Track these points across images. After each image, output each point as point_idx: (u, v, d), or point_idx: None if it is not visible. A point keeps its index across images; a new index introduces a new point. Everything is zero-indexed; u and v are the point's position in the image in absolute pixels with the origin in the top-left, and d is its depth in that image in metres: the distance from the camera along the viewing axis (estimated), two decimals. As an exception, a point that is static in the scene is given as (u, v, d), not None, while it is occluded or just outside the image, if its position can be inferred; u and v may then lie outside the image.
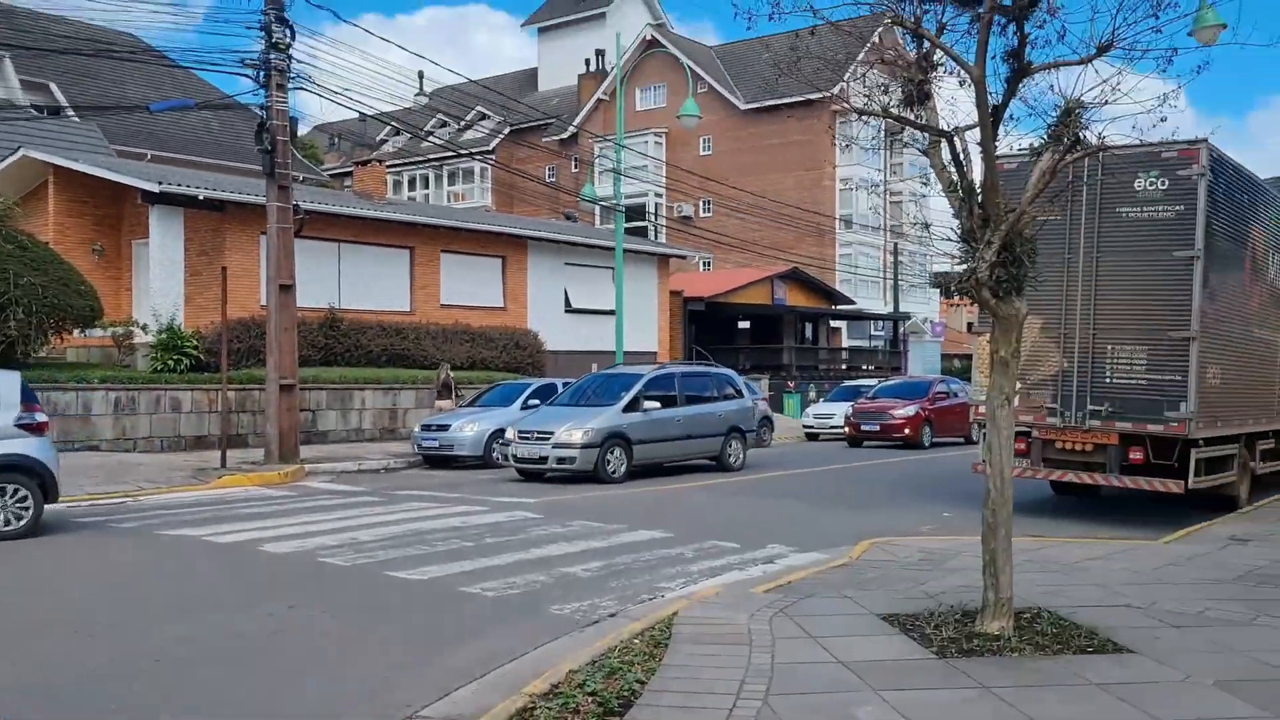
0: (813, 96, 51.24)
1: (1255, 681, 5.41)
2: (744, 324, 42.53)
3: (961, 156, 6.20)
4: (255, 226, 22.11)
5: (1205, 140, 12.13)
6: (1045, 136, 6.43)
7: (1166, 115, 5.69)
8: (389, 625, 7.35)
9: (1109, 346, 12.64)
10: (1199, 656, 5.87)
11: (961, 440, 25.92)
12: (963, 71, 6.36)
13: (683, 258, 38.92)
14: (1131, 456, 12.69)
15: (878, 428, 24.82)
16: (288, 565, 9.48)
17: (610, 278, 31.99)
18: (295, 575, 9.10)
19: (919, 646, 6.15)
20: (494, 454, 18.99)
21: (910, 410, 24.82)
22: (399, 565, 9.33)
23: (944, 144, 6.34)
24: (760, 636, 6.39)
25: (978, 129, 6.24)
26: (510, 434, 17.31)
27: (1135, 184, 12.42)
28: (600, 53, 59.05)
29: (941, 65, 6.54)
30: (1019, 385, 13.54)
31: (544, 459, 16.34)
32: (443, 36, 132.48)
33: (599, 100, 57.10)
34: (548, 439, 16.41)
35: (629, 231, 34.74)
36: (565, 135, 56.84)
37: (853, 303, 47.62)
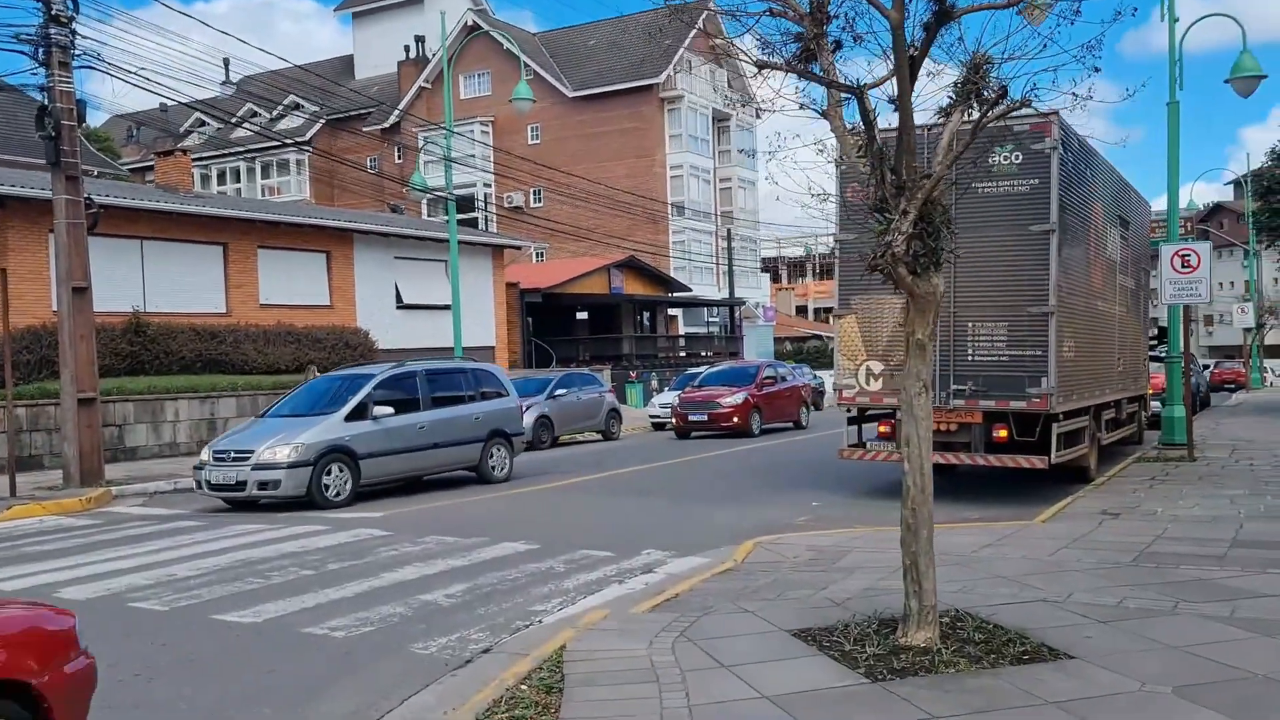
0: (640, 84, 51.08)
1: (1212, 684, 4.97)
2: (582, 315, 41.76)
3: (873, 116, 5.51)
4: (43, 224, 19.74)
5: (1056, 113, 12.03)
6: (952, 95, 5.85)
7: (1099, 66, 5.14)
8: (217, 684, 6.16)
9: (970, 324, 12.45)
10: (1142, 658, 5.41)
11: (791, 425, 25.61)
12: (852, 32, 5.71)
13: (517, 248, 37.78)
14: (995, 434, 12.57)
15: (705, 417, 23.76)
16: (91, 614, 8.02)
17: (443, 271, 30.58)
18: (99, 627, 7.67)
19: (845, 668, 5.46)
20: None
21: (738, 398, 23.86)
22: (228, 605, 8.05)
23: (851, 104, 5.64)
24: (667, 670, 5.57)
25: (885, 86, 5.58)
26: (205, 455, 14.19)
27: (990, 159, 12.25)
28: (420, 39, 56.98)
29: (837, 18, 5.84)
30: (882, 367, 13.37)
31: (242, 484, 13.36)
32: (245, 24, 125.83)
33: (421, 88, 55.11)
34: (246, 459, 13.46)
35: (460, 223, 33.38)
36: (387, 124, 54.62)
37: (689, 289, 47.59)
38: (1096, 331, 14.32)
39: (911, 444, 5.91)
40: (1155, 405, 19.98)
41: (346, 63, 62.62)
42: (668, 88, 51.01)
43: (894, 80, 5.43)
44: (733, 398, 23.88)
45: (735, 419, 23.50)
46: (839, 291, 13.44)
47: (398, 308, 29.47)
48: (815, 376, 33.18)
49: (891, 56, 5.71)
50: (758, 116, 59.26)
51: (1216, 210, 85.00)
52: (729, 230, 50.87)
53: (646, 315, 45.37)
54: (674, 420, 24.55)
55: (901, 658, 5.56)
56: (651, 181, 50.23)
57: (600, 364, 36.08)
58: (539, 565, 9.34)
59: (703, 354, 44.22)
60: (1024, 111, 6.37)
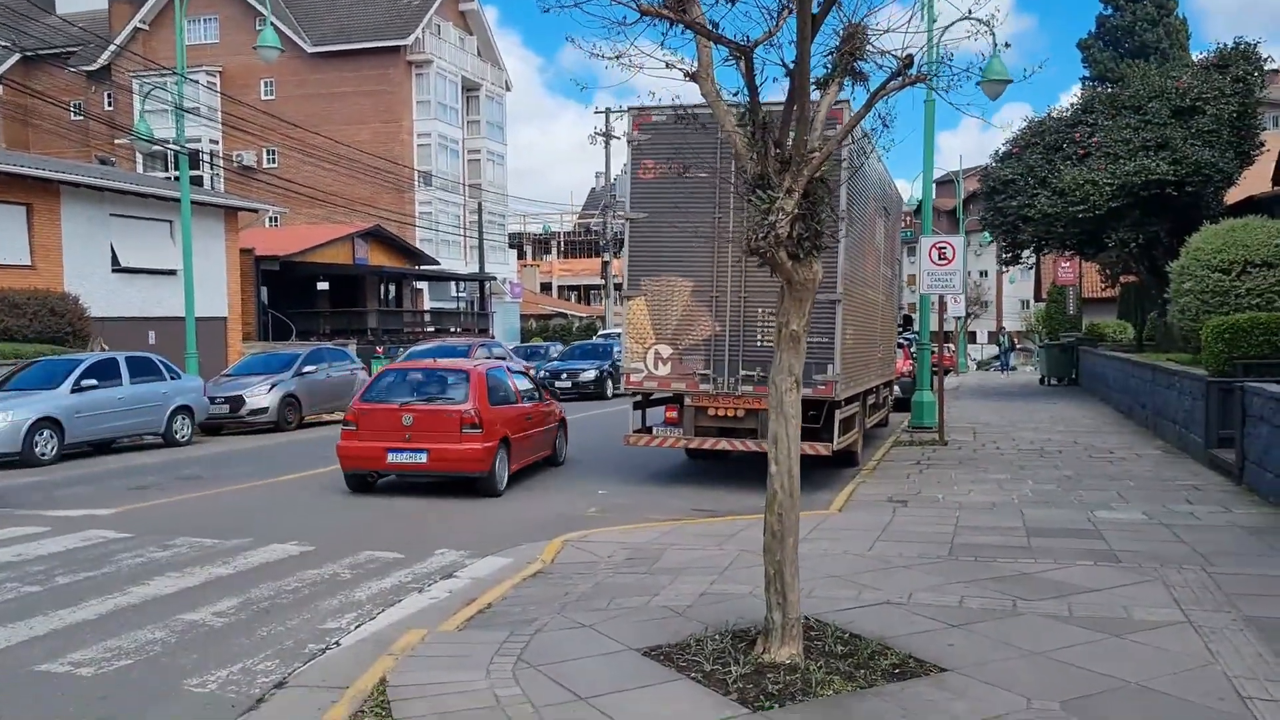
0: (386, 44, 48.65)
1: (1093, 697, 4.85)
2: (323, 285, 39.26)
3: (757, 80, 4.97)
4: None
5: (848, 101, 12.11)
6: (827, 66, 5.41)
7: (1010, 42, 4.85)
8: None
9: (759, 310, 12.33)
10: (1014, 669, 5.25)
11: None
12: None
13: (254, 211, 34.83)
14: (781, 420, 12.56)
15: None
16: None
17: (168, 233, 27.71)
18: None
19: (716, 695, 4.94)
20: (37, 448, 15.23)
21: None
22: (-72, 639, 6.48)
23: (731, 67, 5.06)
24: (516, 707, 4.83)
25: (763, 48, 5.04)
26: None
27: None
28: (137, -27, 51.49)
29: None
30: (670, 350, 13.05)
31: None
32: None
33: (137, 28, 49.82)
34: None
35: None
36: (95, 66, 49.07)
37: (436, 263, 45.95)
38: (867, 319, 14.70)
39: (780, 444, 5.47)
40: (897, 389, 21.09)
41: (46, -7, 55.66)
42: (416, 51, 48.90)
43: (780, 41, 4.88)
44: None
45: None
46: (628, 272, 12.97)
47: (114, 271, 26.32)
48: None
49: (771, 19, 5.19)
50: (508, 89, 57.87)
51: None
52: (479, 204, 49.58)
53: (392, 288, 43.42)
54: None
55: (771, 678, 5.11)
56: (398, 148, 48.04)
57: (343, 338, 34.01)
58: (320, 571, 8.25)
59: (451, 329, 42.85)
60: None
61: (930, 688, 4.97)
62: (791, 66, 4.89)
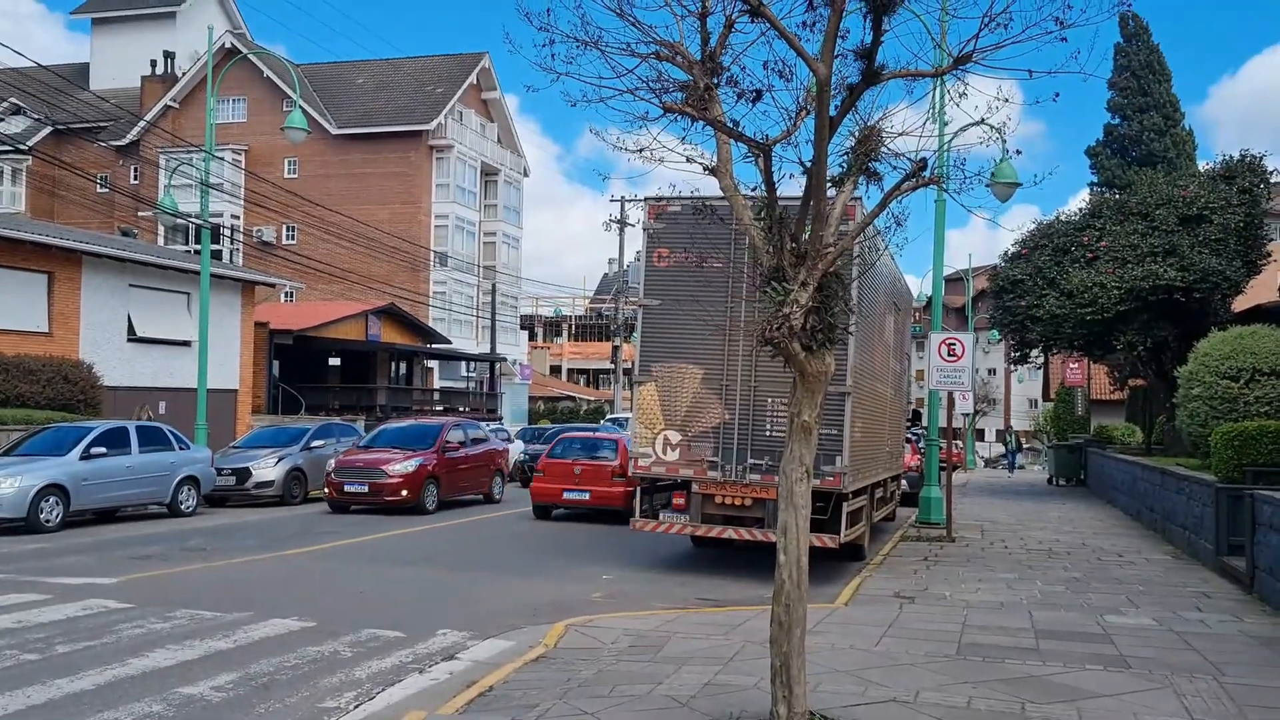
0: (409, 128, 49.78)
1: (1103, 800, 4.75)
2: (335, 361, 39.47)
3: (775, 176, 5.12)
4: None
5: (860, 198, 12.35)
6: (843, 165, 5.58)
7: (1021, 149, 4.99)
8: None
9: (769, 399, 12.39)
10: (1021, 768, 5.17)
11: (481, 498, 21.58)
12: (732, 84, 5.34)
13: (271, 285, 35.29)
14: (789, 512, 12.52)
15: (366, 488, 18.88)
16: None
17: (184, 304, 28.05)
18: None
19: (720, 787, 4.87)
20: (41, 514, 15.22)
21: (410, 465, 19.19)
22: (-76, 703, 6.43)
23: (747, 164, 5.22)
24: (518, 793, 4.77)
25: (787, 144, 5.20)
26: None
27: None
28: (170, 55, 53.00)
29: (729, 70, 5.45)
30: (679, 437, 13.08)
31: None
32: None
33: (168, 106, 51.14)
34: None
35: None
36: (125, 141, 50.25)
37: (448, 341, 46.26)
38: (876, 412, 14.75)
39: (789, 534, 5.48)
40: (905, 484, 21.02)
41: (80, 71, 57.18)
42: (438, 135, 49.99)
43: (798, 140, 5.05)
44: (403, 465, 19.22)
45: (404, 491, 18.84)
46: (639, 358, 13.08)
47: (129, 340, 26.58)
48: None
49: (788, 118, 5.37)
50: (526, 175, 59.15)
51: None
52: (493, 285, 50.11)
53: (403, 365, 43.63)
54: (327, 490, 19.61)
55: (776, 772, 5.04)
56: (415, 229, 48.78)
57: (353, 414, 34.11)
58: (320, 649, 8.19)
59: (459, 409, 42.92)
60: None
61: (937, 789, 4.89)
62: (809, 165, 5.04)
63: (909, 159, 5.29)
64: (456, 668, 7.69)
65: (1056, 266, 24.12)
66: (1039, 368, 43.36)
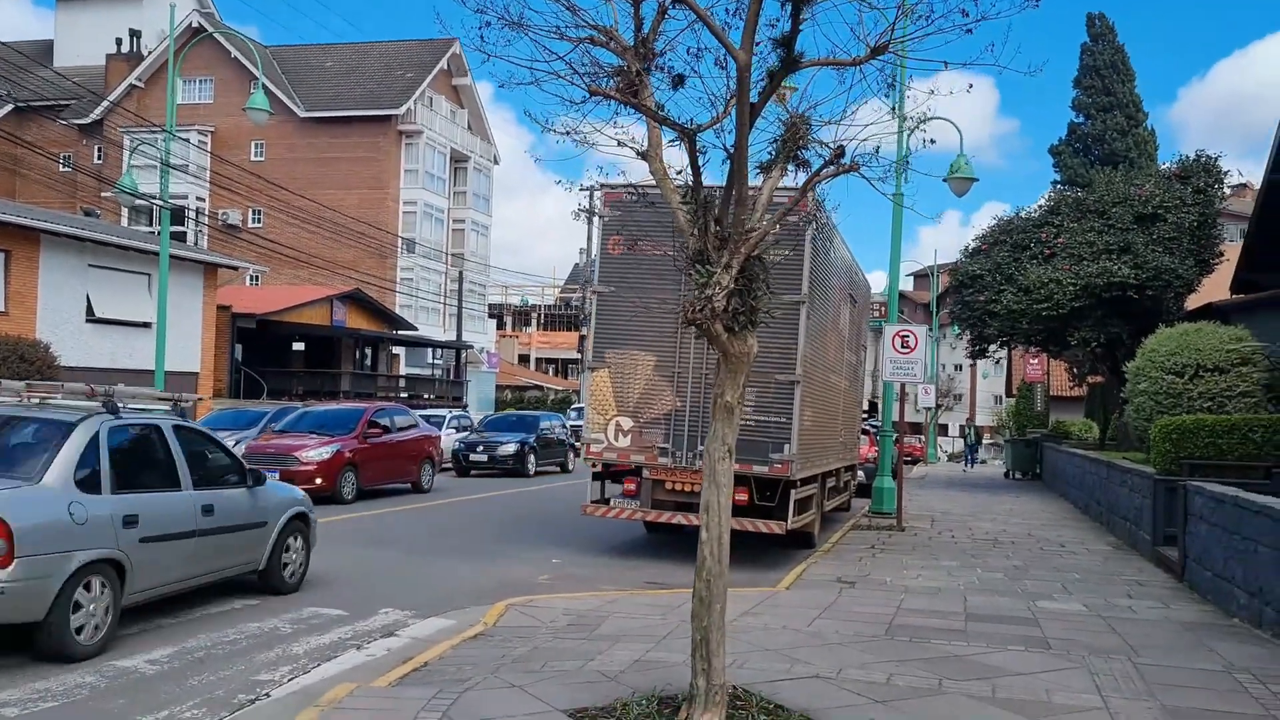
0: (378, 113, 49.52)
1: (1002, 770, 4.92)
2: (299, 345, 39.32)
3: (700, 161, 5.24)
4: None
5: (814, 189, 12.50)
6: (771, 153, 5.70)
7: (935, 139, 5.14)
8: None
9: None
10: (929, 740, 5.34)
11: (408, 487, 20.45)
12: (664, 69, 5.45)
13: (234, 269, 35.11)
14: (737, 497, 12.62)
15: (276, 475, 17.33)
16: None
17: (145, 285, 27.83)
18: None
19: (634, 755, 5.00)
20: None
21: (326, 452, 17.89)
22: None
23: (670, 149, 5.33)
24: (435, 760, 4.88)
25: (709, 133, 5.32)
26: None
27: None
28: (136, 34, 52.39)
29: (660, 56, 5.55)
30: (631, 423, 13.20)
31: None
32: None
33: (133, 86, 50.59)
34: None
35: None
36: (88, 120, 49.59)
37: (414, 328, 46.14)
38: (828, 402, 14.92)
39: (711, 512, 5.61)
40: (860, 475, 21.27)
41: (44, 49, 56.41)
42: (407, 121, 49.77)
43: (728, 126, 5.17)
44: (318, 451, 17.82)
45: (318, 479, 17.26)
46: (593, 344, 13.18)
47: (88, 321, 26.38)
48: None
49: (718, 104, 5.49)
50: (496, 162, 58.92)
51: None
52: (460, 272, 49.98)
53: (369, 351, 43.49)
54: None
55: (691, 742, 5.18)
56: (383, 215, 48.57)
57: (316, 399, 33.94)
58: (261, 625, 8.25)
59: (425, 396, 42.88)
60: (785, 182, 6.24)
61: (844, 758, 5.05)
62: (732, 150, 5.16)
63: (829, 147, 5.41)
64: (395, 644, 7.78)
65: (1015, 263, 24.46)
66: (998, 362, 43.86)
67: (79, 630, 6.93)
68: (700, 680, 5.52)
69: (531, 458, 25.83)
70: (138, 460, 8.02)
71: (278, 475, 16.04)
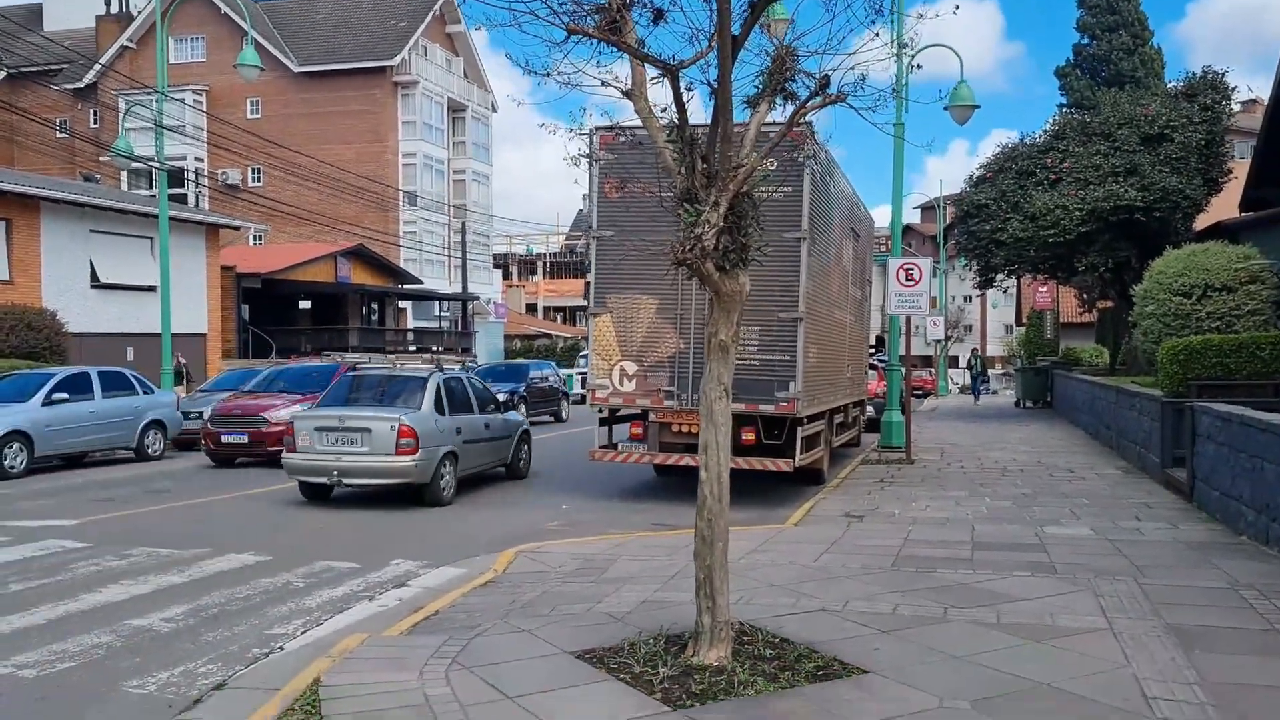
0: (372, 65, 48.97)
1: (1005, 696, 4.98)
2: (305, 304, 39.35)
3: (685, 99, 5.15)
4: None
5: (810, 123, 12.32)
6: (758, 87, 5.60)
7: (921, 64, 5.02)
8: None
9: (723, 327, 12.48)
10: (932, 670, 5.38)
11: None
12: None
13: (235, 228, 35.00)
14: (743, 437, 12.67)
15: (245, 438, 16.57)
16: None
17: (148, 249, 27.80)
18: None
19: (640, 694, 5.05)
20: (4, 461, 15.25)
21: (295, 410, 15.44)
22: (-125, 642, 6.54)
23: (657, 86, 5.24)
24: (444, 706, 4.94)
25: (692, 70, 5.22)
26: None
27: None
28: (124, -8, 51.77)
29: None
30: (636, 367, 13.20)
31: None
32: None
33: (124, 47, 50.05)
34: None
35: (169, 198, 30.51)
36: (82, 84, 49.24)
37: (420, 282, 46.09)
38: (833, 339, 14.87)
39: (710, 451, 5.61)
40: (870, 410, 21.27)
41: (34, 12, 55.82)
42: (402, 71, 49.22)
43: (713, 61, 5.07)
44: (288, 410, 15.80)
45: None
46: (594, 290, 13.13)
47: (93, 287, 26.42)
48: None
49: (702, 39, 5.38)
50: (494, 110, 58.16)
51: (906, 231, 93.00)
52: (463, 224, 49.76)
53: (375, 307, 43.51)
54: (204, 442, 17.17)
55: (697, 679, 5.23)
56: (383, 168, 48.26)
57: (326, 355, 34.08)
58: (274, 580, 8.34)
59: (434, 349, 42.91)
60: (774, 117, 6.14)
61: (849, 688, 5.09)
62: (715, 85, 5.07)
63: (814, 77, 5.31)
64: (406, 594, 7.86)
65: (1020, 190, 24.19)
66: (1006, 291, 43.61)
67: (443, 489, 12.54)
68: (705, 618, 5.56)
69: (522, 408, 23.83)
70: (455, 397, 13.40)
71: (246, 438, 16.65)
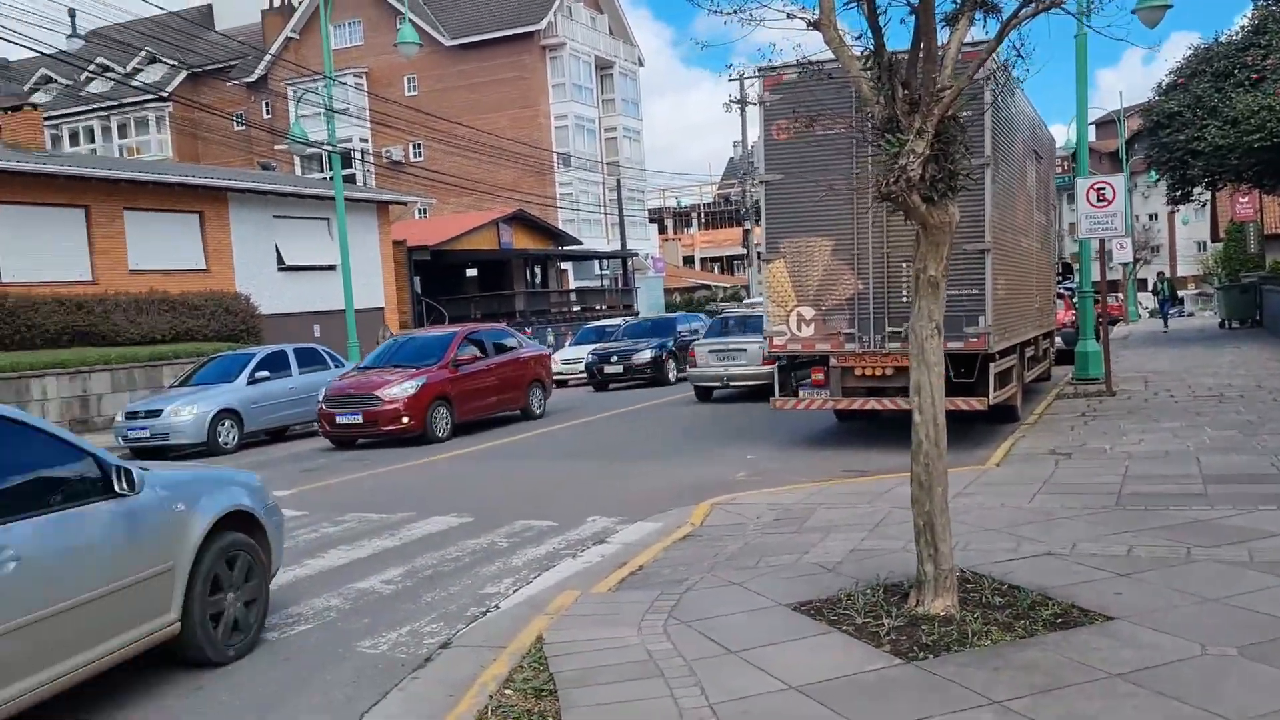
0: (520, 30, 49.49)
1: (1274, 643, 4.55)
2: (472, 271, 40.42)
3: (881, 22, 4.83)
4: None
5: (988, 41, 11.62)
6: (956, 2, 5.21)
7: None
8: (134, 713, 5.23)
9: (904, 265, 11.97)
10: (1186, 615, 4.99)
11: (518, 413, 18.26)
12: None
13: (403, 204, 36.17)
14: (932, 376, 12.20)
15: (360, 418, 15.70)
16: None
17: (325, 230, 29.04)
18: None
19: (868, 647, 4.88)
20: (220, 438, 16.27)
21: (410, 387, 15.73)
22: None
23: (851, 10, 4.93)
24: (668, 661, 4.90)
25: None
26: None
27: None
28: (284, -15, 53.91)
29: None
30: (813, 312, 12.88)
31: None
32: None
33: (289, 38, 52.24)
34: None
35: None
36: (254, 77, 51.78)
37: (579, 242, 46.63)
38: (1021, 268, 14.12)
39: (923, 392, 5.33)
40: (1060, 341, 20.20)
41: (206, 13, 58.91)
42: (549, 34, 49.57)
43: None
44: (401, 386, 15.67)
45: (406, 419, 15.50)
46: (766, 235, 12.84)
47: (279, 269, 27.82)
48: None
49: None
50: (640, 64, 57.96)
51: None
52: (618, 180, 49.95)
53: (538, 269, 44.32)
54: (321, 425, 16.43)
55: (925, 630, 5.01)
56: (536, 132, 48.89)
57: (494, 321, 34.98)
58: (478, 541, 8.55)
59: (596, 307, 43.51)
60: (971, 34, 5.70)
61: (1095, 636, 4.77)
62: (916, 3, 4.73)
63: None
64: (607, 550, 7.91)
65: (1218, 93, 22.29)
66: (1203, 206, 40.60)
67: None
68: (928, 566, 5.33)
69: (671, 364, 23.79)
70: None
71: (360, 418, 15.66)
